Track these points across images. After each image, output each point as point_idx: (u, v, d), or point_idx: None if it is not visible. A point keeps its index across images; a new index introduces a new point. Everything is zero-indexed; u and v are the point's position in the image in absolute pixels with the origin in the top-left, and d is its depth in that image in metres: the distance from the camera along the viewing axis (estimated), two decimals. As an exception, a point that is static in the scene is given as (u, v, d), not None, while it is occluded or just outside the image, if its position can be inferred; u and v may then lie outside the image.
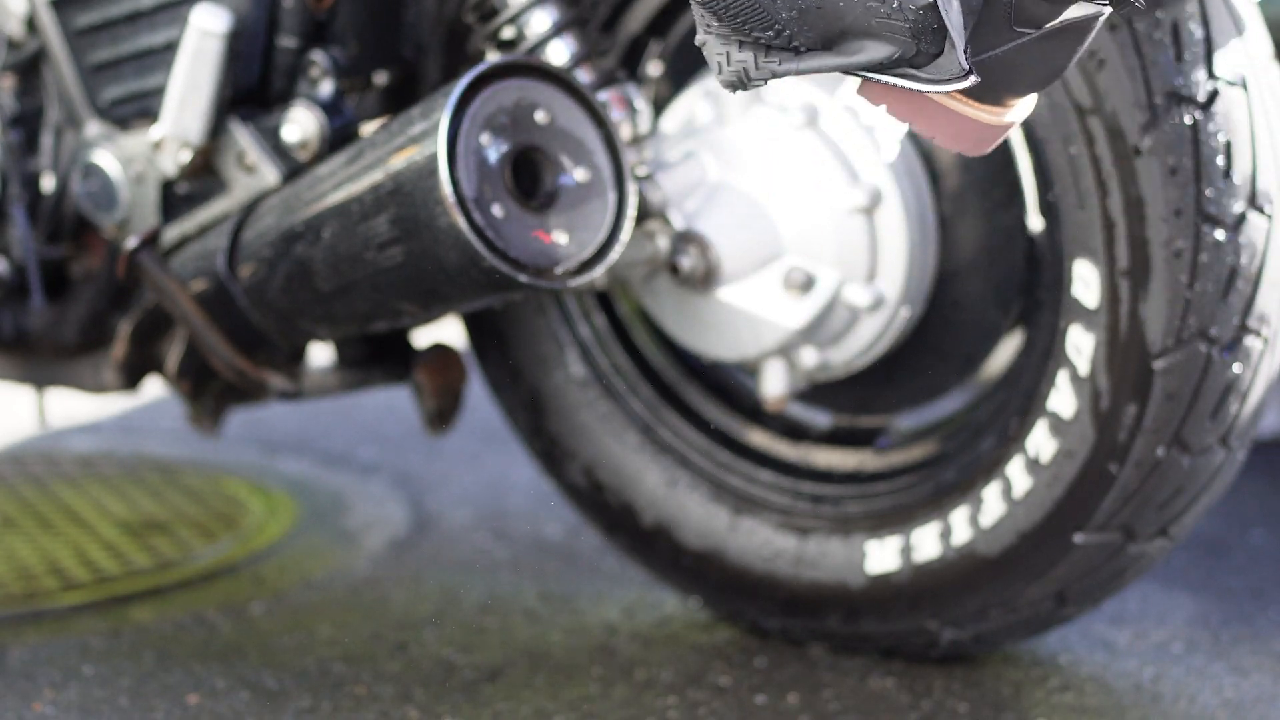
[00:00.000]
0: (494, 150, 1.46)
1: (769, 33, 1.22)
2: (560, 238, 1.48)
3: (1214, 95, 1.38)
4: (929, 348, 1.64)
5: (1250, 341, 1.42)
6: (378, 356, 1.82)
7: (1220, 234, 1.39)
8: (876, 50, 1.20)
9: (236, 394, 1.83)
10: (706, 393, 1.79)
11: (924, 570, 1.57)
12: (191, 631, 1.76)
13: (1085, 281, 1.44)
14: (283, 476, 2.39)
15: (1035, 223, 1.58)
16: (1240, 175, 1.38)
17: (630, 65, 1.72)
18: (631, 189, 1.52)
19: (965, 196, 1.60)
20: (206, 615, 1.81)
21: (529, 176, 1.50)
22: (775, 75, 1.24)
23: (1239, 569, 1.93)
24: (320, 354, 1.86)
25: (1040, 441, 1.49)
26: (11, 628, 1.77)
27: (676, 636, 1.72)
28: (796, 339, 1.61)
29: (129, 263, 1.72)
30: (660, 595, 1.82)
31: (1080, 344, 1.45)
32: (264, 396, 1.80)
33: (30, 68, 1.82)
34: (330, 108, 1.64)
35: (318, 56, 1.64)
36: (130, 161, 1.73)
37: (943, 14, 1.18)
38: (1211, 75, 1.38)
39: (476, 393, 2.43)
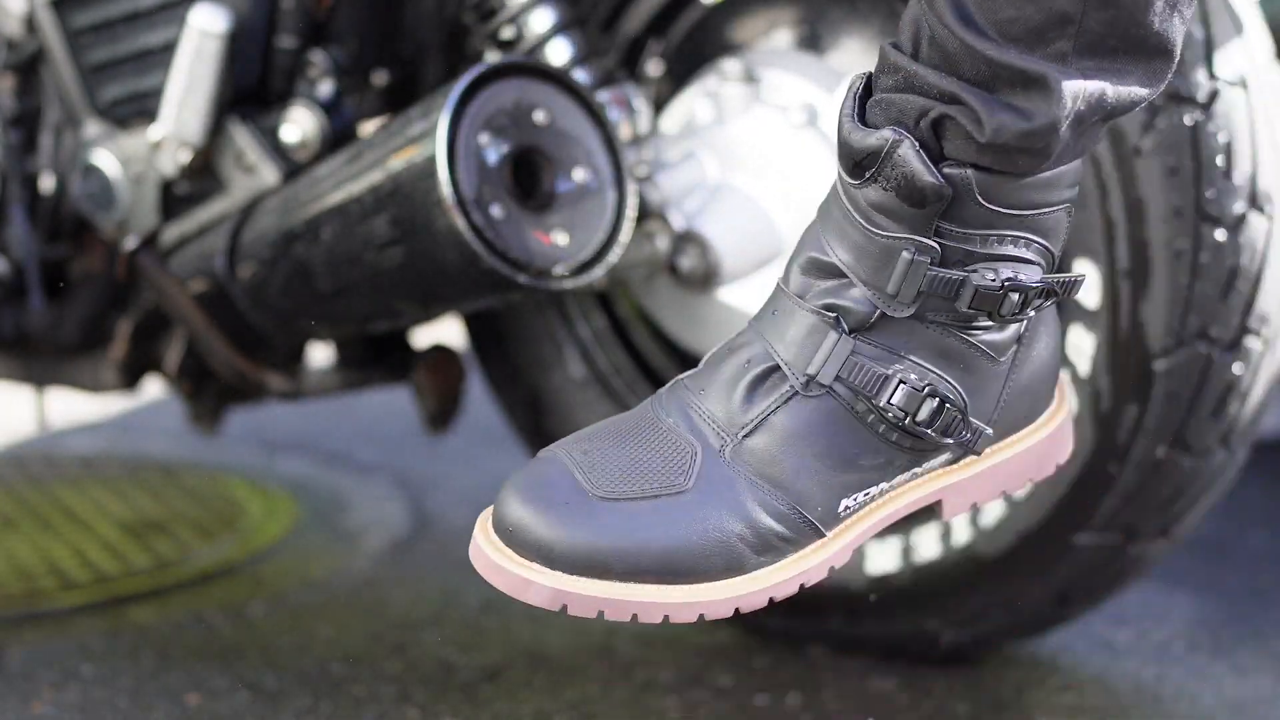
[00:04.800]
0: (493, 151, 1.46)
1: None
2: (560, 238, 1.48)
3: (1214, 95, 1.38)
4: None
5: (1251, 342, 1.41)
6: (378, 356, 1.82)
7: (1221, 234, 1.38)
8: None
9: (236, 394, 1.83)
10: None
11: (924, 571, 1.57)
12: (191, 632, 1.76)
13: (1085, 282, 1.44)
14: (283, 476, 2.39)
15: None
16: (1241, 175, 1.38)
17: (630, 65, 1.72)
18: (631, 189, 1.52)
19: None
20: (206, 616, 1.80)
21: (528, 177, 1.50)
22: None
23: (1240, 569, 1.93)
24: (320, 354, 1.86)
25: (1040, 442, 1.49)
26: (11, 628, 1.77)
27: (676, 637, 1.72)
28: (796, 339, 1.61)
29: (128, 263, 1.72)
30: (660, 595, 1.82)
31: (1081, 345, 1.45)
32: (264, 396, 1.80)
33: (29, 68, 1.82)
34: (330, 108, 1.64)
35: (317, 56, 1.64)
36: (129, 161, 1.72)
37: None
38: (1211, 75, 1.38)
39: (476, 393, 2.43)
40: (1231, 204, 1.38)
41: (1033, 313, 1.18)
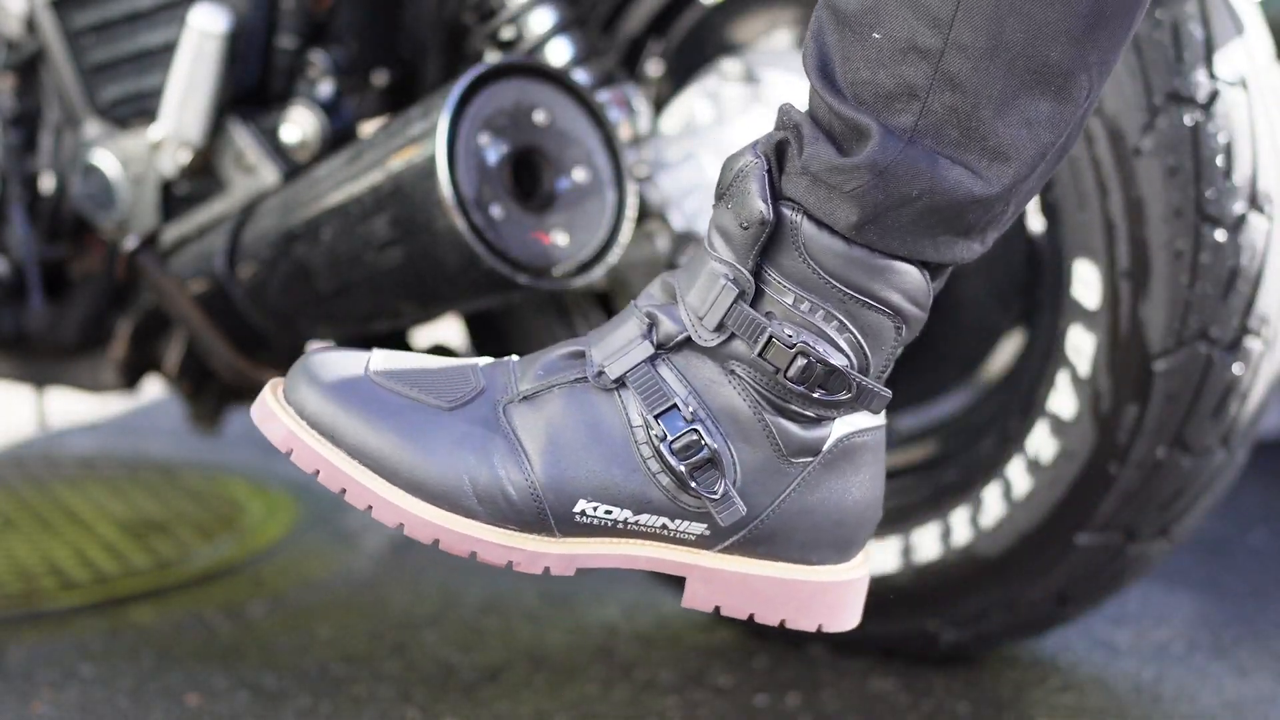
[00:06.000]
0: (493, 151, 1.46)
1: None
2: (560, 238, 1.48)
3: (1214, 96, 1.38)
4: (929, 348, 1.64)
5: (1251, 342, 1.41)
6: (377, 357, 1.81)
7: (1220, 234, 1.38)
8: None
9: (236, 394, 1.83)
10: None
11: (924, 571, 1.57)
12: (191, 632, 1.76)
13: (1085, 282, 1.44)
14: (282, 477, 2.39)
15: (1036, 223, 1.58)
16: (1240, 176, 1.38)
17: (630, 65, 1.72)
18: (631, 189, 1.52)
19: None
20: (206, 616, 1.80)
21: (528, 177, 1.50)
22: None
23: (1240, 569, 1.93)
24: (320, 354, 1.86)
25: (1040, 442, 1.49)
26: (10, 628, 1.77)
27: (676, 637, 1.72)
28: (796, 339, 1.61)
29: (128, 263, 1.72)
30: (660, 595, 1.82)
31: (1080, 345, 1.45)
32: (264, 397, 1.80)
33: (29, 68, 1.82)
34: (329, 108, 1.64)
35: (317, 56, 1.64)
36: (129, 162, 1.73)
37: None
38: (1211, 76, 1.38)
39: (476, 392, 2.43)
40: (1231, 204, 1.38)
41: (823, 401, 1.17)
